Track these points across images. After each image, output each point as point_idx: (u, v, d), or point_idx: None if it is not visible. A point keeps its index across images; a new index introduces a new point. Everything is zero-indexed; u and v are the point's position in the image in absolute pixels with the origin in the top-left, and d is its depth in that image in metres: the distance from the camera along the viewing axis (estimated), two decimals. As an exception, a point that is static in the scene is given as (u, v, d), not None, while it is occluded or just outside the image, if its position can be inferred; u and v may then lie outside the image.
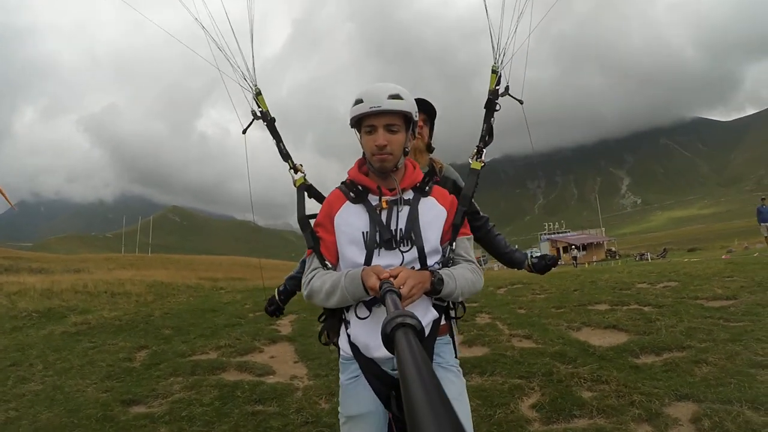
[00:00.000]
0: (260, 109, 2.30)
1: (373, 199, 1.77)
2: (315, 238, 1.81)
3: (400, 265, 1.67)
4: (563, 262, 51.96)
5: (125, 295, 11.18)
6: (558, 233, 76.23)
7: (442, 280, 1.60)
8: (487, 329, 6.67)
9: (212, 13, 2.18)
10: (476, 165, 2.17)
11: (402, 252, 1.70)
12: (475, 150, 2.22)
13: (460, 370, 1.81)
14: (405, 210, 1.75)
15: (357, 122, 1.74)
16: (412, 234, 1.71)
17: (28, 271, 19.31)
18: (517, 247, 2.80)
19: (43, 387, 4.88)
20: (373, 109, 1.64)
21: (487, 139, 2.24)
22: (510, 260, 2.71)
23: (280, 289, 2.66)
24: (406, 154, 1.77)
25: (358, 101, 1.69)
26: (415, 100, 1.82)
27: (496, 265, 59.31)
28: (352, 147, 1.92)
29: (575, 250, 46.13)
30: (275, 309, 2.66)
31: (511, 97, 2.32)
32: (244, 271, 26.43)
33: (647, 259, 34.36)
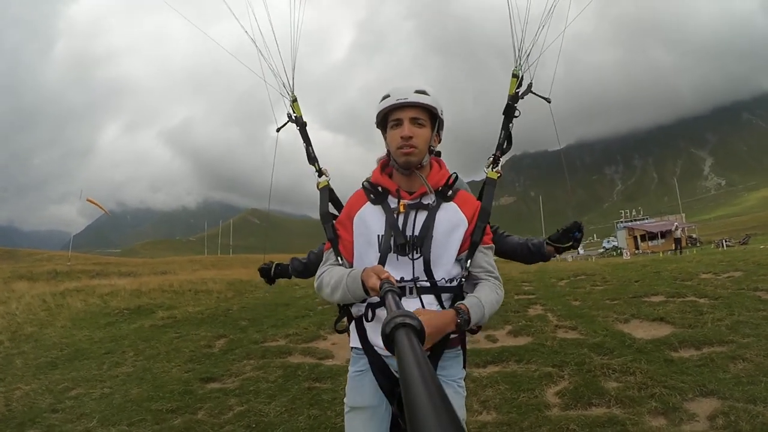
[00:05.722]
0: (295, 114, 2.37)
1: (393, 202, 1.75)
2: (335, 233, 1.83)
3: (412, 273, 1.68)
4: (640, 251, 48.77)
5: (207, 293, 12.16)
6: (635, 220, 71.85)
7: (467, 320, 1.53)
8: (536, 320, 6.88)
9: (263, 29, 2.43)
10: (492, 175, 2.04)
11: (412, 260, 1.68)
12: (492, 158, 2.10)
13: (463, 385, 1.78)
14: (423, 215, 1.71)
15: (383, 120, 1.76)
16: (423, 242, 1.67)
17: (117, 275, 21.00)
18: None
19: (134, 369, 5.80)
20: (400, 101, 1.66)
21: (504, 146, 2.14)
22: (529, 251, 2.36)
23: (284, 264, 2.66)
24: (431, 152, 1.75)
25: (385, 97, 1.71)
26: None
27: (569, 256, 56.20)
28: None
29: (678, 231, 40.73)
30: (266, 276, 2.70)
31: (536, 95, 2.16)
32: (319, 267, 27.58)
33: (723, 247, 31.47)
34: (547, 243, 2.27)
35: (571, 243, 2.22)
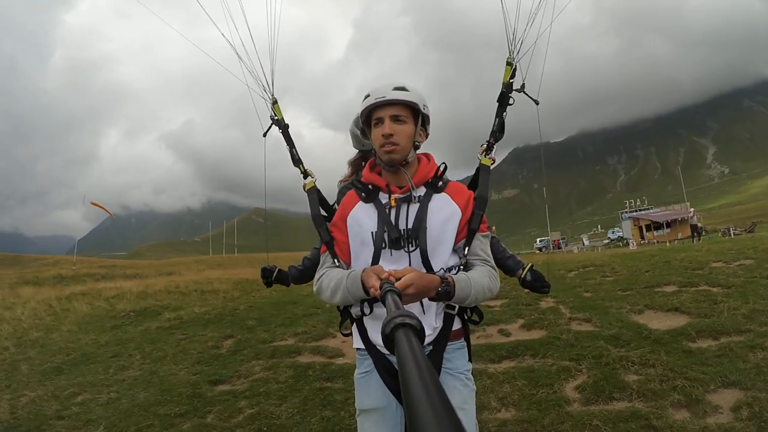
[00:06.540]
0: (276, 117, 2.37)
1: (384, 198, 1.74)
2: (330, 235, 1.81)
3: (408, 266, 1.63)
4: (646, 242, 48.71)
5: (214, 293, 12.17)
6: (640, 210, 71.59)
7: (449, 292, 1.52)
8: (549, 313, 6.76)
9: (243, 32, 2.44)
10: (486, 161, 2.04)
11: (408, 252, 1.67)
12: (485, 145, 2.09)
13: (471, 377, 1.75)
14: (415, 208, 1.70)
15: (367, 119, 1.75)
16: (418, 234, 1.66)
17: (123, 278, 21.15)
18: (514, 254, 2.52)
19: (141, 373, 5.73)
20: (379, 100, 1.65)
21: (498, 134, 2.13)
22: (500, 266, 2.43)
23: (282, 270, 2.66)
24: (416, 148, 1.74)
25: (366, 96, 1.70)
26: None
27: (575, 248, 56.72)
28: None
29: (694, 218, 40.83)
30: (267, 281, 2.67)
31: (527, 95, 2.21)
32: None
33: (730, 235, 31.28)
34: (519, 276, 2.43)
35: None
